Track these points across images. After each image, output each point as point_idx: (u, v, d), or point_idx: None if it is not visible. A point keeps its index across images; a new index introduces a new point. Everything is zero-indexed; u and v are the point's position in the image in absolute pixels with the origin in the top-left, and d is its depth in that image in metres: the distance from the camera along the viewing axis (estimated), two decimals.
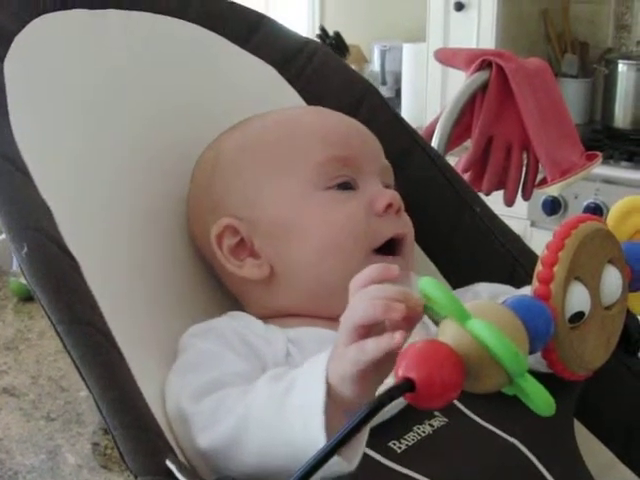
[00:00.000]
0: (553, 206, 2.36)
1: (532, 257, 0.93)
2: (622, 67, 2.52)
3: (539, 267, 0.61)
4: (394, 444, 0.71)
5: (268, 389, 0.68)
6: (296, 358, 0.79)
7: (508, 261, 0.93)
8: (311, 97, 1.00)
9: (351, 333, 0.61)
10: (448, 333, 0.56)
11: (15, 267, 1.45)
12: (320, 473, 0.53)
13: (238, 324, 0.82)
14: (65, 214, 0.79)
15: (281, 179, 0.86)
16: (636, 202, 0.73)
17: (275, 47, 1.01)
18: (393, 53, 2.81)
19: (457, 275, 0.94)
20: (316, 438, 0.62)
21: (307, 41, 1.02)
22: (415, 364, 0.54)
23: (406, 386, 0.54)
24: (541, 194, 2.10)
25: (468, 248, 0.95)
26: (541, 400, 0.55)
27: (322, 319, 0.83)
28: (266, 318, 0.84)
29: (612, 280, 0.64)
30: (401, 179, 0.95)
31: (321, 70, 1.01)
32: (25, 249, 0.71)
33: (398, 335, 0.58)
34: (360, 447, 0.62)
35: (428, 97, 2.60)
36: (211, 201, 0.89)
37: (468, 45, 2.42)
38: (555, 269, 0.60)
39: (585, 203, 2.33)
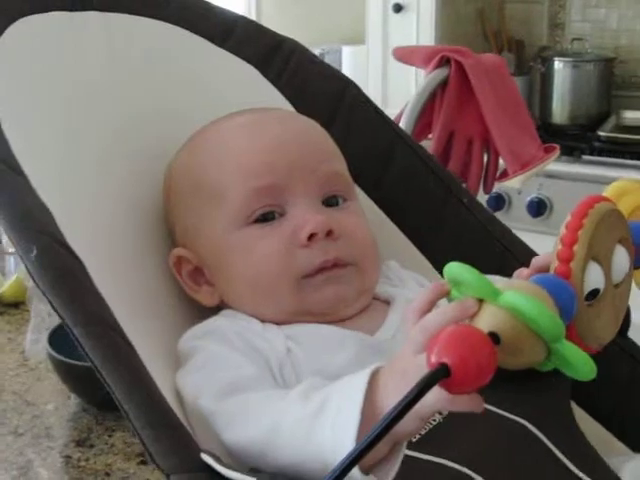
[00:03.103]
0: (497, 202, 2.39)
1: (522, 247, 0.94)
2: (558, 64, 2.57)
3: (559, 246, 0.62)
4: None
5: (301, 402, 0.67)
6: (297, 353, 0.78)
7: (497, 250, 0.93)
8: (293, 95, 0.99)
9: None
10: (482, 314, 0.57)
11: None
12: None
13: (237, 325, 0.81)
14: (57, 214, 0.78)
15: (211, 212, 0.85)
16: (624, 187, 0.75)
17: (255, 46, 1.00)
18: (332, 56, 2.81)
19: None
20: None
21: (283, 39, 1.02)
22: (448, 349, 0.54)
23: (442, 372, 0.53)
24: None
25: (457, 239, 0.96)
26: (583, 363, 0.56)
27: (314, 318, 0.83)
28: None
29: (621, 259, 0.66)
30: (385, 173, 0.95)
31: (300, 68, 1.01)
32: (34, 252, 0.70)
33: None
34: (394, 467, 0.62)
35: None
36: (168, 222, 0.90)
37: None
38: (575, 248, 0.61)
39: (528, 198, 2.36)
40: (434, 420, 0.73)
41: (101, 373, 0.66)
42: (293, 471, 0.66)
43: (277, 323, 0.82)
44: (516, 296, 0.55)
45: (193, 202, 0.86)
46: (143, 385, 0.68)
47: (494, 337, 0.55)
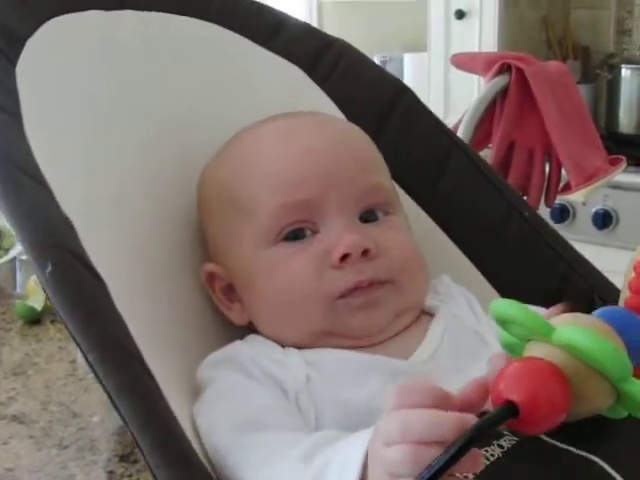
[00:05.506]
0: (561, 214, 2.33)
1: (585, 263, 0.88)
2: (625, 72, 2.50)
3: (632, 275, 0.55)
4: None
5: (303, 465, 0.63)
6: (316, 383, 0.73)
7: (560, 266, 0.87)
8: (341, 98, 0.94)
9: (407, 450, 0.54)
10: (536, 355, 0.50)
11: (19, 289, 1.39)
12: None
13: (254, 351, 0.76)
14: (80, 228, 0.73)
15: (239, 227, 0.79)
16: None
17: (301, 46, 0.94)
18: (394, 64, 2.77)
19: (506, 282, 0.88)
20: None
21: (334, 39, 0.96)
22: (517, 385, 0.49)
23: (510, 410, 0.48)
24: None
25: (517, 253, 0.89)
26: None
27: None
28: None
29: None
30: (440, 184, 0.90)
31: (351, 70, 0.95)
32: (49, 268, 0.64)
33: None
34: None
35: (431, 107, 2.55)
36: (202, 234, 0.85)
37: None
38: None
39: (594, 210, 2.30)
40: (492, 455, 0.66)
41: (115, 403, 0.61)
42: None
43: (299, 347, 0.77)
44: (571, 330, 0.49)
45: (222, 214, 0.81)
46: (159, 420, 0.62)
47: None
